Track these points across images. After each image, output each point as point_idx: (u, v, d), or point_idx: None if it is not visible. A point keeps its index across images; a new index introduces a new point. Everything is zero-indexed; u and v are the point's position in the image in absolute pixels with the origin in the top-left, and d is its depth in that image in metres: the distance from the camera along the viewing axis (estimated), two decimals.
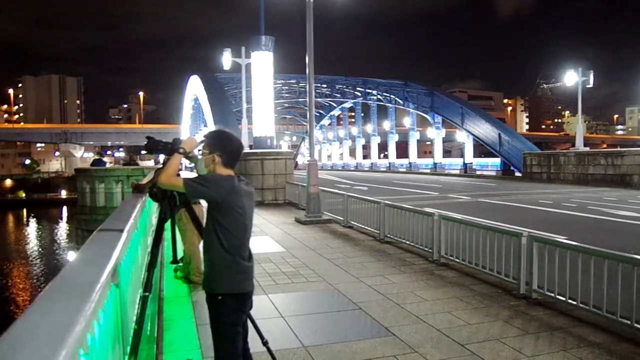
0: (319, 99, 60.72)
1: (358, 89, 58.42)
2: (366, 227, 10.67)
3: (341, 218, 12.02)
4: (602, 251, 5.10)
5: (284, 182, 17.92)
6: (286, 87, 58.30)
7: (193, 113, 60.36)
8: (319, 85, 55.06)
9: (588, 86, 30.92)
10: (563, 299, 5.37)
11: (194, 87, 49.33)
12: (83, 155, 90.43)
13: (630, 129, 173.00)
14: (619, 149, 32.59)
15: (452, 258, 7.50)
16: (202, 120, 50.08)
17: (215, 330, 3.00)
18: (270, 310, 5.55)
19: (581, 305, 5.14)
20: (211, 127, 35.26)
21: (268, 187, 17.78)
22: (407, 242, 8.88)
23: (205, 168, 3.12)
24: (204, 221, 3.14)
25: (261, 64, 20.59)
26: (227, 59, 24.41)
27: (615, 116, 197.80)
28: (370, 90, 57.25)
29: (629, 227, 12.07)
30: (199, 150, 3.21)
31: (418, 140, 57.14)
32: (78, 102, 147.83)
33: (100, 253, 2.05)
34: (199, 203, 5.53)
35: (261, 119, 20.73)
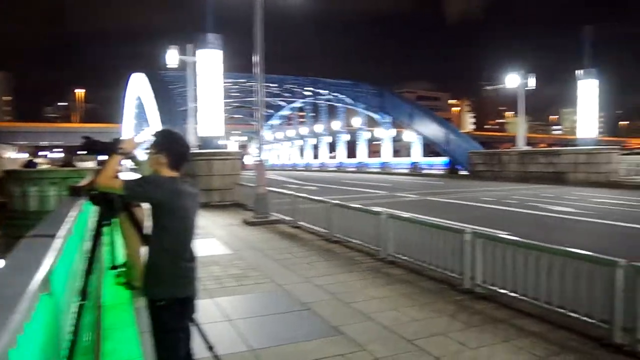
0: (268, 99, 60.40)
1: (308, 88, 58.54)
2: (315, 227, 10.70)
3: (289, 218, 12.01)
4: (539, 245, 5.32)
5: (232, 183, 17.72)
6: (236, 86, 57.66)
7: (137, 112, 58.80)
8: (268, 84, 54.79)
9: (528, 88, 32.21)
10: (505, 292, 5.57)
11: (138, 85, 48.09)
12: (15, 156, 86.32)
13: (566, 129, 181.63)
14: (556, 148, 34.15)
15: (399, 256, 7.62)
16: (146, 120, 48.88)
17: (155, 337, 2.92)
18: (216, 315, 5.48)
19: (522, 297, 5.35)
20: (156, 126, 34.48)
21: (216, 188, 17.53)
22: (356, 241, 8.96)
23: (150, 168, 3.03)
24: (145, 224, 3.06)
25: (209, 62, 20.28)
26: (172, 57, 23.79)
27: (553, 117, 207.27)
28: (320, 90, 57.48)
29: (565, 222, 12.66)
30: (147, 150, 3.12)
31: (368, 140, 57.85)
32: (10, 98, 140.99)
33: (29, 261, 1.95)
34: (140, 205, 5.39)
35: (209, 119, 20.43)
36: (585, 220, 12.65)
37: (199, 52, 20.86)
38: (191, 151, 3.21)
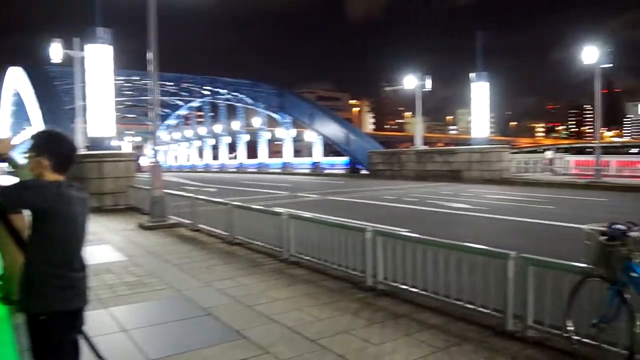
0: (164, 97, 58.43)
1: (206, 87, 57.42)
2: (215, 230, 10.50)
3: (189, 221, 11.69)
4: (437, 241, 5.60)
5: (126, 186, 16.91)
6: (129, 84, 55.17)
7: (14, 110, 54.36)
8: (164, 82, 52.94)
9: (426, 90, 33.87)
10: (406, 287, 5.79)
11: (15, 81, 44.45)
12: None
13: (461, 129, 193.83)
14: (452, 147, 36.23)
15: (302, 256, 7.67)
16: (28, 119, 45.34)
17: (37, 355, 2.69)
18: (110, 326, 5.18)
19: (422, 292, 5.59)
20: (38, 125, 32.07)
21: (108, 191, 16.64)
22: (258, 242, 8.91)
23: (31, 172, 2.78)
24: (26, 233, 2.81)
25: (98, 58, 19.22)
26: (56, 51, 22.18)
27: (450, 117, 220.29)
28: (219, 90, 56.60)
29: (462, 217, 13.45)
30: (25, 152, 2.86)
31: (268, 140, 57.82)
32: None
33: None
34: (21, 212, 4.97)
35: (99, 118, 19.36)
36: (480, 216, 13.51)
37: (87, 46, 19.69)
38: (77, 152, 3.00)
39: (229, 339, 4.73)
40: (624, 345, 3.72)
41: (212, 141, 65.89)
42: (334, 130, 44.74)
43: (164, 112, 66.47)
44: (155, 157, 13.45)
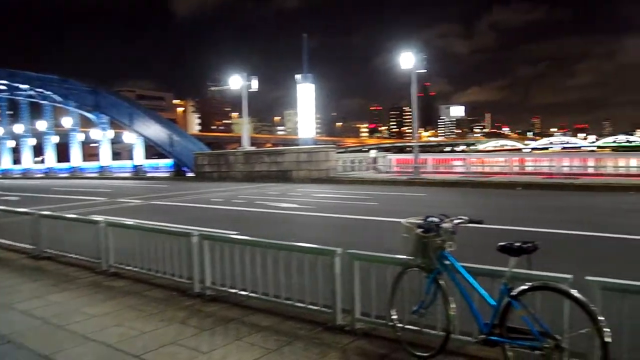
0: None
1: (2, 82, 51.20)
2: (18, 244, 9.42)
3: None
4: (264, 242, 5.68)
5: None
6: None
7: None
8: None
9: (252, 90, 34.26)
10: (236, 291, 5.78)
11: None
12: None
13: (289, 130, 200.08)
14: (280, 147, 37.18)
15: (123, 266, 7.24)
16: None
17: None
18: None
19: (252, 294, 5.62)
20: None
21: None
22: (72, 255, 8.18)
23: None
24: None
25: None
26: None
27: (278, 118, 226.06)
28: (19, 85, 50.85)
29: (290, 217, 13.86)
30: None
31: (82, 142, 53.56)
32: None
33: None
34: None
35: None
36: (308, 214, 14.04)
37: None
38: None
39: None
40: (442, 327, 4.14)
41: (12, 143, 59.04)
42: (156, 131, 43.08)
43: None
44: None
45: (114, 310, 5.70)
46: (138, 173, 43.03)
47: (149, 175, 42.02)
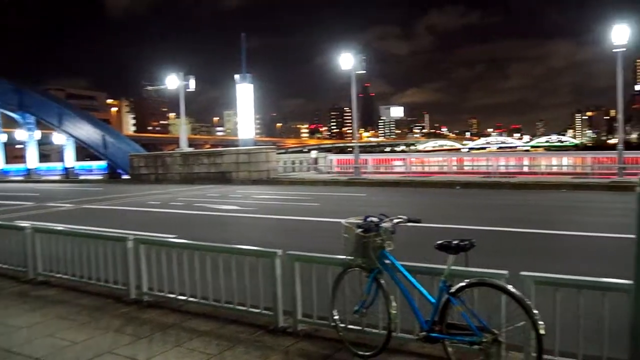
0: None
1: None
2: None
3: None
4: (204, 245, 5.58)
5: None
6: None
7: None
8: None
9: (190, 90, 33.62)
10: (174, 296, 5.63)
11: None
12: None
13: (228, 130, 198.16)
14: (219, 149, 36.75)
15: (53, 274, 6.92)
16: None
17: None
18: None
19: (191, 299, 5.50)
20: None
21: None
22: None
23: None
24: None
25: None
26: None
27: (217, 118, 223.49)
28: None
29: (230, 219, 13.69)
30: None
31: (6, 144, 50.84)
32: None
33: None
34: None
35: None
36: (249, 216, 13.92)
37: None
38: None
39: None
40: (384, 326, 4.19)
41: None
42: (88, 132, 41.56)
43: None
44: None
45: (43, 321, 5.43)
46: (69, 176, 41.37)
47: (81, 178, 40.52)
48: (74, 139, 43.09)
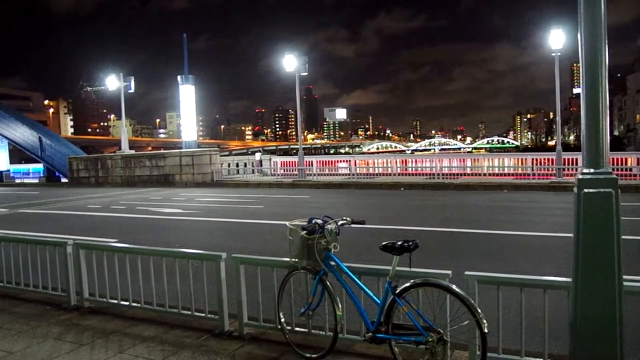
0: None
1: None
2: None
3: None
4: (147, 249, 5.46)
5: None
6: None
7: None
8: None
9: (130, 91, 32.79)
10: (116, 301, 5.48)
11: None
12: None
13: (171, 132, 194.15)
14: (162, 151, 35.99)
15: None
16: None
17: None
18: None
19: (134, 304, 5.36)
20: None
21: None
22: None
23: None
24: None
25: None
26: None
27: (158, 120, 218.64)
28: None
29: (174, 222, 13.42)
30: None
31: None
32: None
33: None
34: None
35: None
36: (192, 219, 13.68)
37: None
38: None
39: None
40: (330, 327, 4.20)
41: None
42: (23, 134, 39.75)
43: None
44: None
45: None
46: (3, 179, 39.44)
47: (17, 181, 38.75)
48: (8, 141, 41.16)
